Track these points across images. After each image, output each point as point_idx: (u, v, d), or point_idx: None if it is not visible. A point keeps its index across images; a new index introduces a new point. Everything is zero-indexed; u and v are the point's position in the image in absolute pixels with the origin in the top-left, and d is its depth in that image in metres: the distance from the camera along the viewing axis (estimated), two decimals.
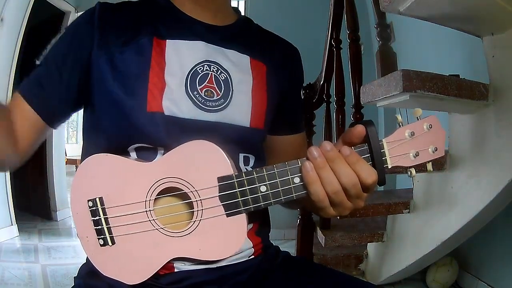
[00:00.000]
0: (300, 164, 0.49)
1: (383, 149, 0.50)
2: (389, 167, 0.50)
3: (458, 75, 1.23)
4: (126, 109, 0.58)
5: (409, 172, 0.51)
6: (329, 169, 0.48)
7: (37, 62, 0.62)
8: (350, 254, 1.85)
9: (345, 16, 1.63)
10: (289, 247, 1.56)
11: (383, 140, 0.50)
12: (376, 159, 0.49)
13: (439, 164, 1.36)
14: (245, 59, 0.68)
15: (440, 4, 1.04)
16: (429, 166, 0.52)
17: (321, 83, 1.83)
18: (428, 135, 0.50)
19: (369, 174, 0.47)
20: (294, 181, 0.50)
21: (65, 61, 0.60)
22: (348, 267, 1.84)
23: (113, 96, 0.58)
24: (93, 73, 0.60)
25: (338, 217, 1.46)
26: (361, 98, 1.36)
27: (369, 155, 0.49)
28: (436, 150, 0.51)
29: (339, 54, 1.69)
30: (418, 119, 0.50)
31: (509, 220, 1.52)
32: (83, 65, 0.60)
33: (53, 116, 0.63)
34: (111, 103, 0.59)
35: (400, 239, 1.61)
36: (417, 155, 0.50)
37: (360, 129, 0.48)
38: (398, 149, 0.50)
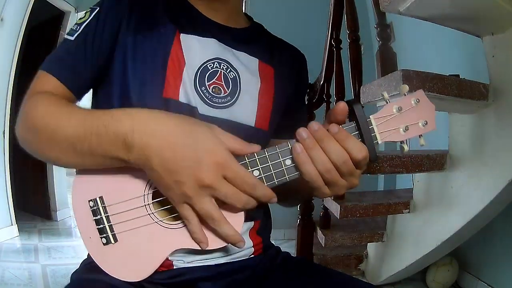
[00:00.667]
0: (290, 146, 0.50)
1: (371, 125, 0.50)
2: (379, 143, 0.50)
3: (458, 75, 1.23)
4: (142, 92, 0.59)
5: (401, 148, 0.51)
6: (319, 148, 0.48)
7: (65, 36, 0.61)
8: (350, 254, 1.85)
9: (345, 16, 1.63)
10: (289, 247, 1.56)
11: (371, 116, 0.50)
12: (364, 135, 0.49)
13: (439, 164, 1.37)
14: (254, 62, 0.69)
15: (440, 4, 1.04)
16: (421, 141, 0.52)
17: (321, 83, 1.83)
18: (417, 110, 0.50)
19: (359, 150, 0.48)
20: (286, 163, 0.50)
21: (95, 37, 0.60)
22: (348, 267, 1.84)
23: (131, 78, 0.59)
24: (116, 53, 0.60)
25: (338, 217, 1.46)
26: (361, 98, 1.36)
27: (357, 132, 0.50)
28: (426, 123, 0.51)
29: (339, 54, 1.70)
30: (405, 95, 0.51)
31: (509, 220, 1.52)
32: (111, 46, 0.60)
33: (81, 89, 0.62)
34: (127, 86, 0.59)
35: (400, 239, 1.61)
36: (407, 129, 0.50)
37: (342, 105, 0.49)
38: (386, 124, 0.50)
